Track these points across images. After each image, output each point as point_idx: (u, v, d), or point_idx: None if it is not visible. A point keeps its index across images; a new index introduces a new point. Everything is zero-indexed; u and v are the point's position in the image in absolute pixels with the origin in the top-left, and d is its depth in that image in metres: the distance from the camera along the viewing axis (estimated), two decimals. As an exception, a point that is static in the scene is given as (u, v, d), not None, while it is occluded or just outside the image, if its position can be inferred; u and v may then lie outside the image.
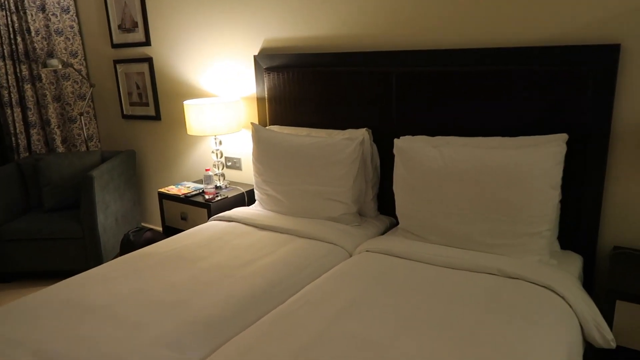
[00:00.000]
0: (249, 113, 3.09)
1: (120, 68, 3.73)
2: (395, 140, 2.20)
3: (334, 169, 2.38)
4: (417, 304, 1.63)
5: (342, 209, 2.40)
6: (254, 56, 2.87)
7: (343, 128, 2.60)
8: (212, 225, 2.50)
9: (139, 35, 3.53)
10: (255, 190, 2.71)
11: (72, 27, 3.84)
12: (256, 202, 2.75)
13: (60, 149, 3.85)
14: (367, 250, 2.12)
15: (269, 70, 2.83)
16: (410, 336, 1.45)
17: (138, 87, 3.67)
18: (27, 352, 1.47)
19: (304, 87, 2.71)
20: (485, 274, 1.83)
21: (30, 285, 3.21)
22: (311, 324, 1.55)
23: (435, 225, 2.08)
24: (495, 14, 2.12)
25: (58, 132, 3.84)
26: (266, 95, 2.89)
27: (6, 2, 3.48)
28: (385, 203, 2.57)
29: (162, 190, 3.08)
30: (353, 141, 2.35)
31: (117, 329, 1.56)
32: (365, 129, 2.48)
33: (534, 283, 1.74)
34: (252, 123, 2.72)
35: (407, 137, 2.23)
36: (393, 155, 2.41)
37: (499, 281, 1.76)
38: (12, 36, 3.55)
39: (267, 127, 2.78)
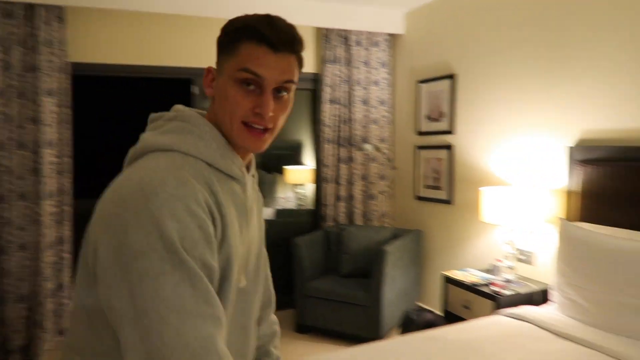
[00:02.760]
0: (550, 206, 2.86)
1: (421, 154, 4.02)
2: None
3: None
4: None
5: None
6: (570, 147, 2.69)
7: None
8: (500, 321, 2.33)
9: (443, 125, 3.76)
10: (555, 291, 2.43)
11: (384, 117, 4.38)
12: (554, 305, 2.46)
13: (359, 221, 4.30)
14: None
15: (585, 162, 2.59)
16: None
17: (435, 172, 3.86)
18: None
19: (627, 183, 2.37)
20: None
21: (321, 341, 3.57)
22: None
23: None
24: None
25: (359, 207, 4.32)
26: (581, 190, 2.63)
27: (340, 99, 4.23)
28: None
29: (447, 273, 3.07)
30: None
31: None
32: None
33: None
34: (560, 218, 2.50)
35: None
36: None
37: None
38: (339, 125, 4.26)
39: (575, 224, 2.51)
